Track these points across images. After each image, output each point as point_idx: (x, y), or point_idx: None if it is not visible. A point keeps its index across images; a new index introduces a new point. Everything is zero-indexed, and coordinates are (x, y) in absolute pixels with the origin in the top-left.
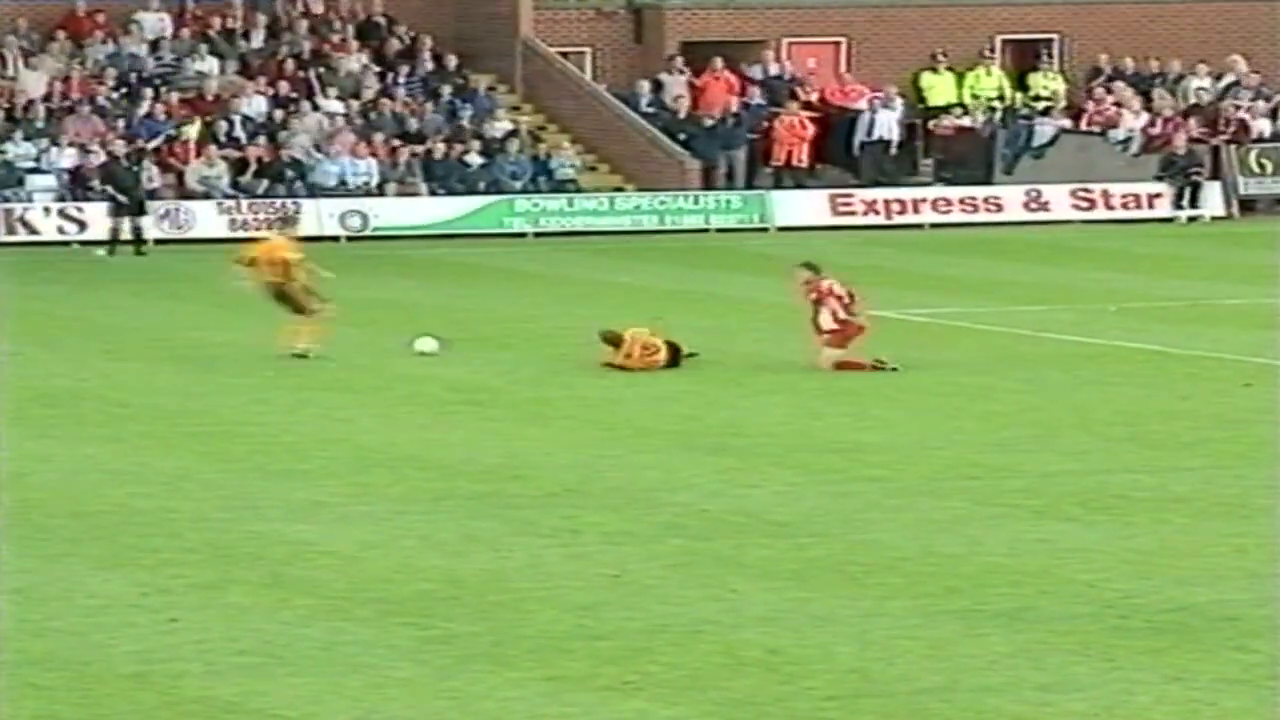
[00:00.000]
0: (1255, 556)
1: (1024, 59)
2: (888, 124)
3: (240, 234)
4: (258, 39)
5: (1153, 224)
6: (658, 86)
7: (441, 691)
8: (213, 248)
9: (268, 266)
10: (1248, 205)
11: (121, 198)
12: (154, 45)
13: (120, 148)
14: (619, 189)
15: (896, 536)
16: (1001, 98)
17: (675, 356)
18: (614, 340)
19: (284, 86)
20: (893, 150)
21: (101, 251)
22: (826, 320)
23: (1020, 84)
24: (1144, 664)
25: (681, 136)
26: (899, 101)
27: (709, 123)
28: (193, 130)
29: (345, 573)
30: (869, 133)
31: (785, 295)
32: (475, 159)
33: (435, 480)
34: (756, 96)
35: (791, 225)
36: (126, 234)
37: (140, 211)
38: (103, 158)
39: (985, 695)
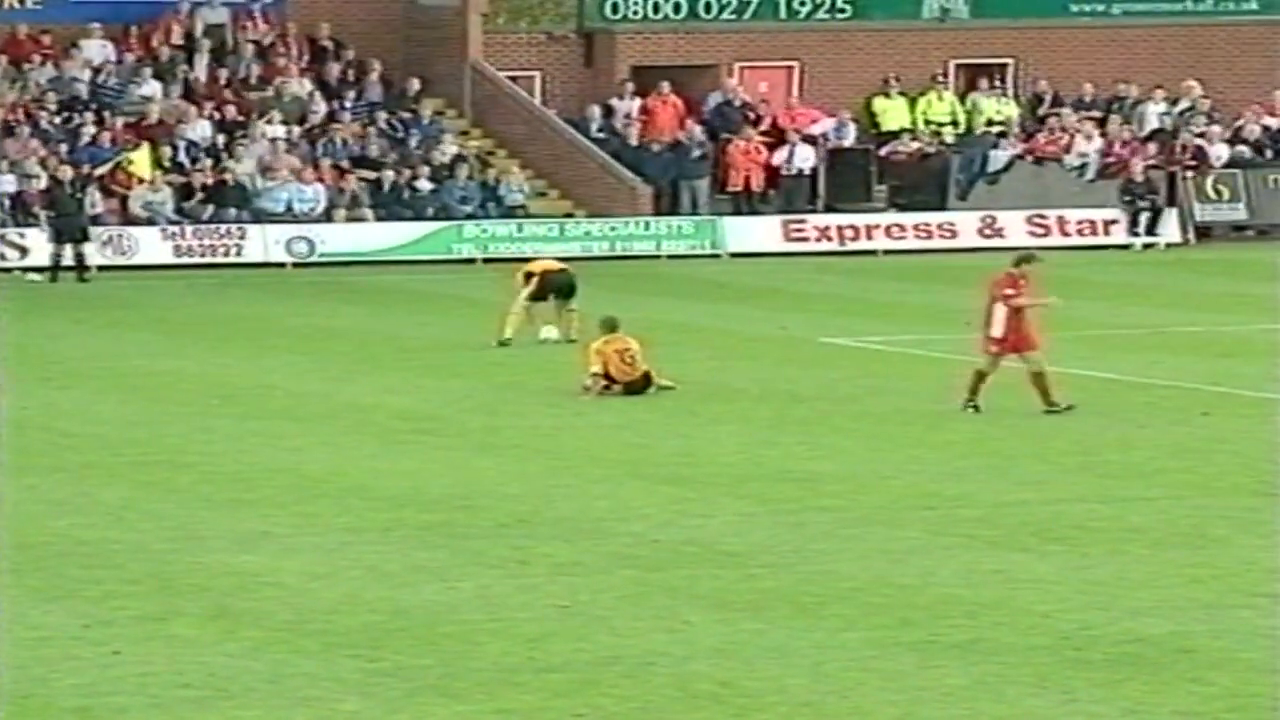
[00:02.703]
0: (1212, 587)
1: (977, 84)
2: (806, 156)
3: (185, 260)
4: (201, 63)
5: (1109, 250)
6: (608, 111)
7: None
8: (157, 274)
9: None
10: (1204, 232)
11: (62, 224)
12: (97, 70)
13: (66, 173)
14: (569, 215)
15: (851, 567)
16: (955, 123)
17: (646, 381)
18: (612, 326)
19: (229, 111)
20: (817, 181)
21: (39, 277)
22: (999, 325)
23: (973, 109)
24: (1101, 697)
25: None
26: (851, 127)
27: (659, 148)
28: (140, 157)
29: (291, 604)
30: (789, 164)
31: (738, 322)
32: (424, 184)
33: (383, 510)
34: (706, 121)
35: (744, 251)
36: (68, 260)
37: (84, 238)
38: (45, 183)
39: None
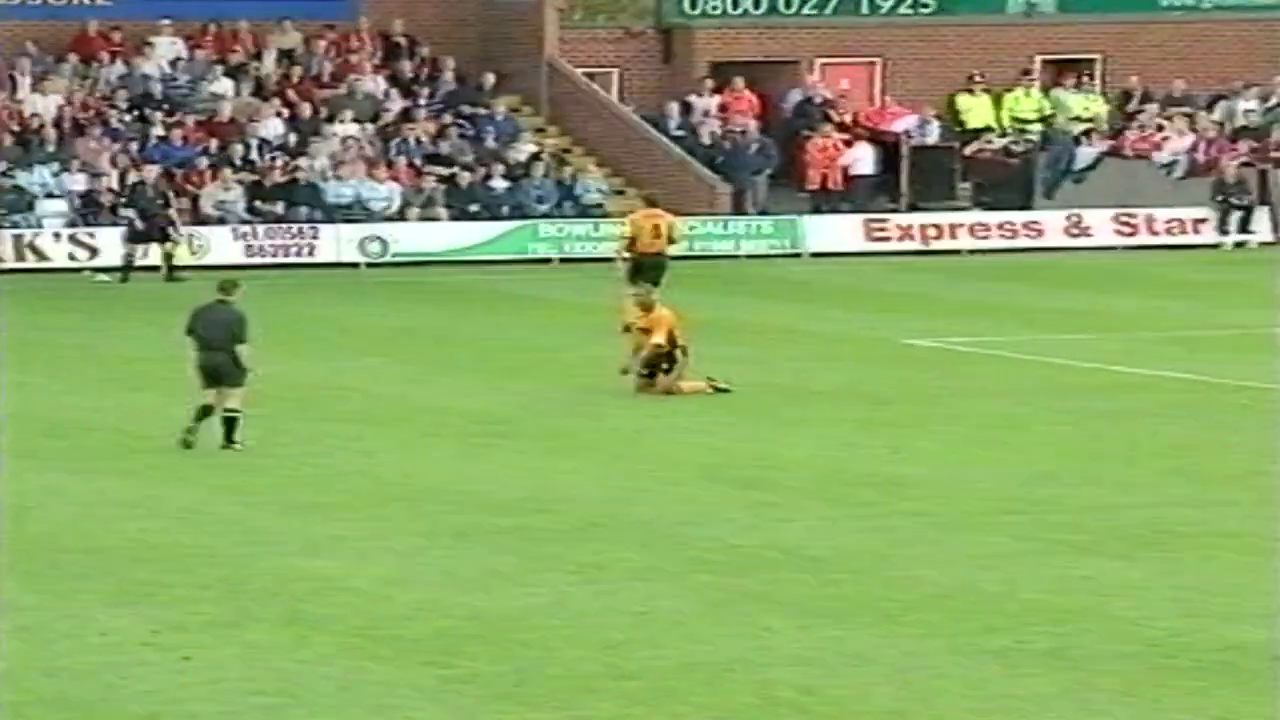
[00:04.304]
0: None
1: (1063, 80)
2: (865, 156)
3: (256, 259)
4: (273, 61)
5: (1198, 250)
6: (687, 108)
7: None
8: (228, 274)
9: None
10: None
11: (140, 224)
12: (168, 67)
13: (151, 172)
14: None
15: (935, 572)
16: (1041, 120)
17: (670, 359)
18: (647, 308)
19: (302, 108)
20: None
21: (108, 277)
22: None
23: (1059, 105)
24: (1191, 706)
25: (712, 159)
26: (935, 124)
27: (739, 145)
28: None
29: (365, 610)
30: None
31: (819, 323)
32: (499, 183)
33: (458, 514)
34: (786, 117)
35: (824, 251)
36: (151, 260)
37: (164, 238)
38: (116, 179)
39: None
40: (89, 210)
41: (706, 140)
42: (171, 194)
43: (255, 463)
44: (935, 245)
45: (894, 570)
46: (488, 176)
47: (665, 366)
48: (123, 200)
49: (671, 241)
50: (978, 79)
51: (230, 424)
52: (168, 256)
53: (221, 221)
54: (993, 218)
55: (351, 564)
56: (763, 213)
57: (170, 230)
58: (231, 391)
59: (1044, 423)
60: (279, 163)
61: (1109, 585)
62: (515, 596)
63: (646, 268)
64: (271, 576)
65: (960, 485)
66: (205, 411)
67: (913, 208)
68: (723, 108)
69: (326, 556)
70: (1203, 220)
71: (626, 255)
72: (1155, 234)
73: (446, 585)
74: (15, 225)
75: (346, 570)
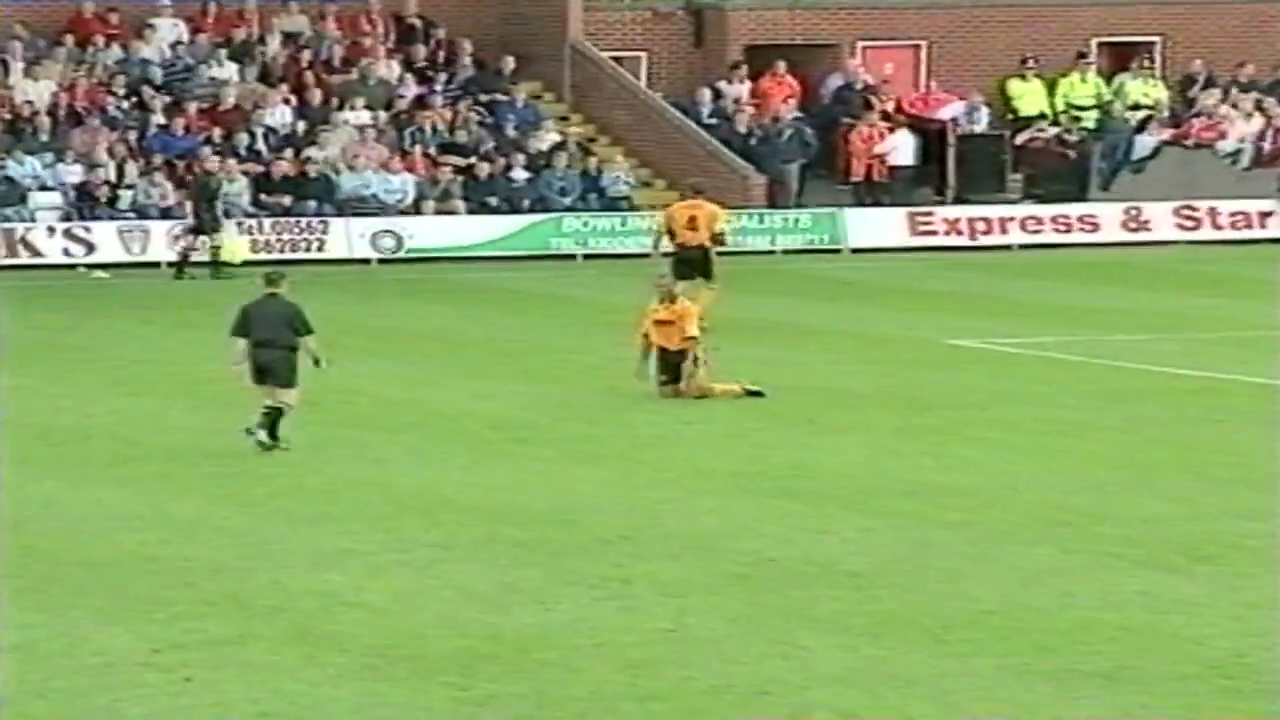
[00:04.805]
0: None
1: (1122, 64)
2: (904, 145)
3: (262, 255)
4: (278, 43)
5: (1264, 245)
6: (719, 95)
7: None
8: (230, 271)
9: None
10: None
11: (202, 216)
12: (168, 50)
13: (214, 162)
14: None
15: (981, 588)
16: (1097, 107)
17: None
18: (669, 299)
19: (311, 95)
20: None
21: (102, 273)
22: None
23: (1118, 91)
24: None
25: (746, 149)
26: (984, 111)
27: (775, 134)
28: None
29: (377, 627)
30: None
31: (859, 323)
32: (520, 174)
33: (475, 526)
34: (824, 104)
35: (866, 247)
36: (201, 256)
37: (215, 229)
38: (114, 169)
39: None
40: (84, 203)
41: (741, 129)
42: (224, 183)
43: (259, 471)
44: (983, 240)
45: (938, 585)
46: (508, 167)
47: (665, 379)
48: (185, 191)
49: (715, 237)
50: (1030, 63)
51: (276, 418)
52: (216, 248)
53: (226, 215)
54: (1045, 211)
55: (362, 579)
56: (800, 206)
57: (219, 221)
58: (284, 390)
59: (1097, 429)
60: (286, 153)
61: (1166, 602)
62: (535, 613)
63: (681, 262)
64: (277, 592)
65: (1007, 495)
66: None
67: (959, 200)
68: (761, 94)
69: (335, 571)
70: (1269, 214)
71: (667, 250)
72: (1218, 228)
73: (463, 601)
74: (7, 219)
75: (357, 585)
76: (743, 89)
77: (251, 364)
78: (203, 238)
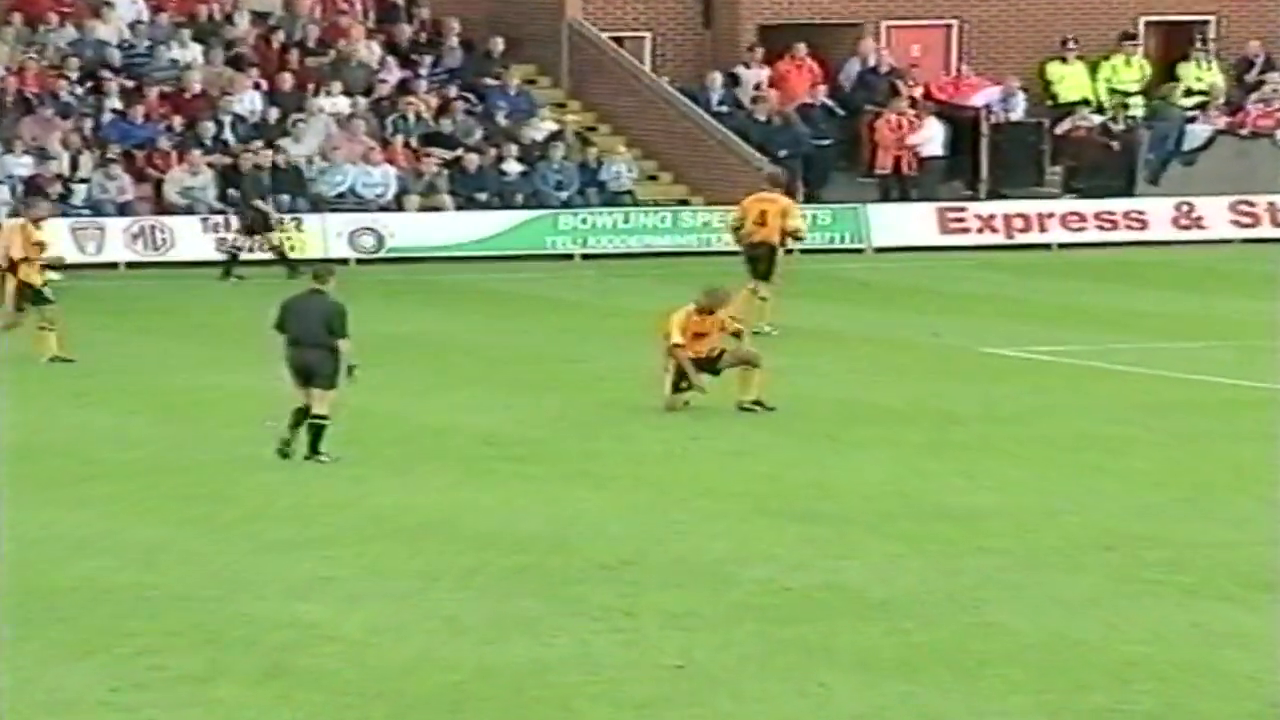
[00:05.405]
0: None
1: (1173, 46)
2: (932, 136)
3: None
4: (247, 22)
5: None
6: (732, 80)
7: None
8: (196, 272)
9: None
10: None
11: (250, 216)
12: (127, 31)
13: (265, 158)
14: (684, 202)
15: (1017, 620)
16: (1145, 93)
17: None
18: (712, 307)
19: (284, 80)
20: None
21: (55, 274)
22: None
23: (1169, 76)
24: None
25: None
26: (1020, 97)
27: (792, 123)
28: None
29: (356, 662)
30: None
31: (884, 329)
32: (512, 167)
33: (463, 552)
34: (846, 90)
35: (891, 245)
36: (260, 255)
37: (268, 227)
38: (67, 161)
39: None
40: (35, 198)
41: (761, 117)
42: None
43: (227, 492)
44: (1020, 238)
45: (970, 617)
46: (499, 159)
47: (684, 384)
48: (232, 190)
49: (788, 234)
50: (1071, 44)
51: (317, 432)
52: (277, 246)
53: (189, 211)
54: (1088, 207)
55: (339, 609)
56: (819, 201)
57: (271, 220)
58: (323, 395)
59: (1144, 445)
60: (256, 143)
61: (1221, 635)
62: (530, 648)
63: (747, 260)
64: (247, 624)
65: (1046, 518)
66: (301, 415)
67: (994, 195)
68: (779, 78)
69: (311, 601)
70: None
71: (740, 245)
72: (1277, 225)
73: (450, 635)
74: None
75: (334, 617)
76: (762, 74)
77: (289, 364)
78: (256, 237)
